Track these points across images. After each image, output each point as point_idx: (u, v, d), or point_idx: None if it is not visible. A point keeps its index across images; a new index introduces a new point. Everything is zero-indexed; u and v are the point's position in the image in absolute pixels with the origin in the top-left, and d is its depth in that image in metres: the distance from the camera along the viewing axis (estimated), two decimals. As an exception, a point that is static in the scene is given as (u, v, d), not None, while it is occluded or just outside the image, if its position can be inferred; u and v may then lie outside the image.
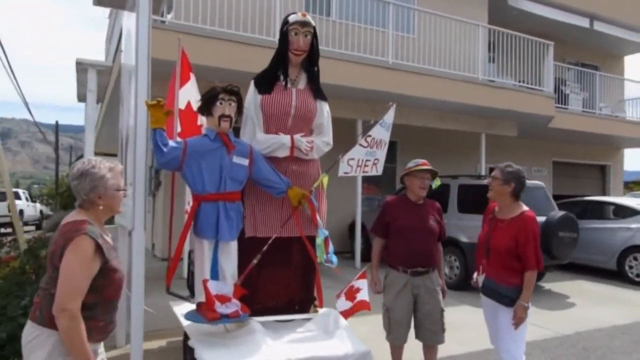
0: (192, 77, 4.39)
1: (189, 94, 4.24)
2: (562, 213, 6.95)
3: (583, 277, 8.46)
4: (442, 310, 3.49)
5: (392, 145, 11.24)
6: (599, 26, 12.99)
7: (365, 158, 3.66)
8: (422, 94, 8.82)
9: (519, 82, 10.66)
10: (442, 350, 3.68)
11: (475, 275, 3.34)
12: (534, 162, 13.90)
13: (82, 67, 5.67)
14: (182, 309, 3.98)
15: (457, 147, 11.84)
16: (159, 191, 9.58)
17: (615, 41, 14.13)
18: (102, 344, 2.25)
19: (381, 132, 3.72)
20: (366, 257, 9.17)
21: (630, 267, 8.17)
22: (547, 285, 7.74)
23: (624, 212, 8.69)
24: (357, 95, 8.53)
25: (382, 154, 3.75)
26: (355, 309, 3.60)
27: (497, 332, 3.14)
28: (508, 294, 3.02)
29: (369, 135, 3.66)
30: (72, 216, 2.12)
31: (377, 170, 3.76)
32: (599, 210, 9.25)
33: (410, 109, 9.43)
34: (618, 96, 14.57)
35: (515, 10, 11.90)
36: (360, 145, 3.63)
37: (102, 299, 2.07)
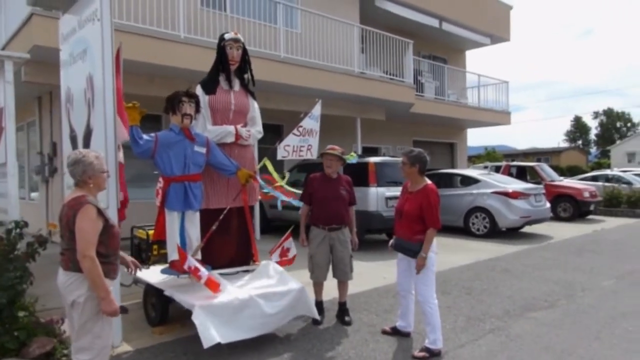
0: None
1: None
2: (424, 183, 8.73)
3: (440, 233, 10.47)
4: (351, 256, 4.77)
5: (278, 129, 12.44)
6: (446, 26, 15.43)
7: (300, 144, 4.72)
8: (307, 84, 10.01)
9: (385, 72, 12.42)
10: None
11: (391, 241, 4.19)
12: (399, 141, 16.10)
13: (-3, 59, 5.83)
14: (141, 272, 4.74)
15: (336, 130, 13.28)
16: (54, 178, 9.57)
17: (458, 39, 16.81)
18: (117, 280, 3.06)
19: (311, 123, 4.80)
20: (264, 230, 10.26)
21: (473, 224, 10.43)
22: (413, 242, 9.60)
23: (468, 181, 10.96)
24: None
25: (314, 141, 4.84)
26: (286, 262, 4.64)
27: (410, 280, 4.04)
28: (412, 248, 3.87)
29: (300, 126, 4.73)
30: (73, 194, 2.87)
31: (312, 154, 4.84)
32: (450, 180, 11.46)
33: (297, 97, 10.61)
34: (461, 85, 17.41)
35: (381, 10, 13.65)
36: (294, 134, 4.69)
37: (110, 249, 2.86)
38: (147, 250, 5.15)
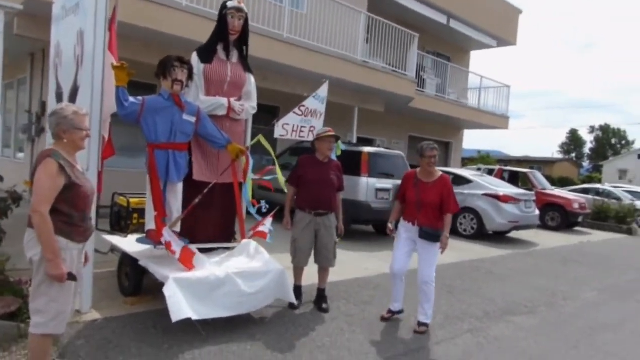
0: None
1: None
2: (416, 178, 8.63)
3: (426, 231, 10.47)
4: (335, 243, 4.66)
5: (274, 110, 12.26)
6: (454, 24, 15.24)
7: (301, 125, 4.56)
8: (308, 67, 9.83)
9: (387, 64, 12.25)
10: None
11: (390, 225, 4.49)
12: (394, 135, 15.98)
13: (-11, 8, 5.61)
14: (119, 240, 4.62)
15: (332, 117, 13.04)
16: (40, 137, 9.35)
17: (465, 38, 16.63)
18: (85, 244, 2.86)
19: (315, 104, 4.62)
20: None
21: (460, 224, 10.37)
22: (399, 236, 9.54)
23: (459, 181, 10.86)
24: (251, 62, 9.22)
25: (318, 122, 4.66)
26: (255, 234, 4.39)
27: (422, 261, 4.29)
28: (437, 234, 4.21)
29: (303, 105, 4.56)
30: (46, 147, 2.74)
31: (315, 136, 4.68)
32: (441, 179, 11.34)
33: (296, 79, 10.45)
34: (463, 85, 17.27)
35: (390, 0, 13.43)
36: (295, 113, 4.52)
37: (75, 209, 2.69)
38: (127, 219, 5.01)
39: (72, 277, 2.65)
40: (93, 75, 3.83)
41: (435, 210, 4.25)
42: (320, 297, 4.65)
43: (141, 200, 4.98)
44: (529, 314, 5.14)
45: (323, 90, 4.72)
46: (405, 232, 4.40)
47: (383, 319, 4.48)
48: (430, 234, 4.22)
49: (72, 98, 4.21)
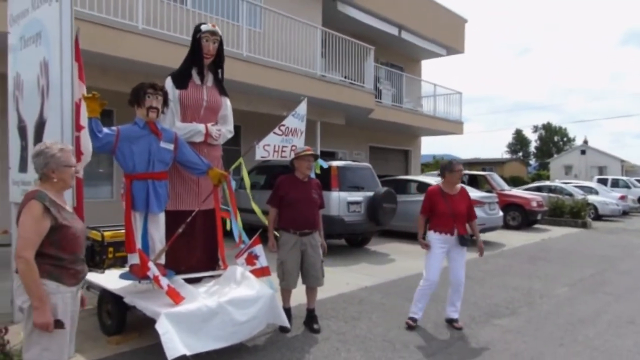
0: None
1: None
2: (385, 188, 8.73)
3: (398, 240, 10.60)
4: (322, 261, 4.61)
5: (236, 129, 12.07)
6: (405, 35, 15.64)
7: (282, 144, 4.50)
8: (269, 84, 9.80)
9: (345, 77, 12.39)
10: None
11: (421, 237, 4.85)
12: (355, 147, 16.14)
13: None
14: (95, 276, 4.40)
15: (294, 133, 13.16)
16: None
17: (416, 48, 17.10)
18: (79, 286, 2.75)
19: (295, 122, 4.58)
20: (225, 233, 9.89)
21: (429, 230, 10.53)
22: (373, 247, 9.60)
23: (424, 187, 11.05)
24: (212, 82, 9.11)
25: (299, 141, 4.62)
26: (257, 273, 4.24)
27: (457, 265, 4.78)
28: (472, 238, 4.79)
29: (283, 125, 4.50)
30: (31, 188, 2.63)
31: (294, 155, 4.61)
32: (406, 187, 11.55)
33: (258, 97, 10.39)
34: (417, 93, 17.71)
35: (342, 15, 13.65)
36: (275, 133, 4.46)
37: (64, 251, 2.56)
38: (102, 253, 4.81)
39: (59, 324, 2.49)
40: (62, 107, 3.67)
41: (465, 218, 4.76)
42: (311, 318, 4.59)
43: (116, 233, 4.80)
44: (511, 315, 5.26)
45: (302, 108, 4.71)
46: (442, 243, 4.70)
47: (410, 327, 4.68)
48: (466, 240, 4.71)
49: (39, 131, 4.01)
